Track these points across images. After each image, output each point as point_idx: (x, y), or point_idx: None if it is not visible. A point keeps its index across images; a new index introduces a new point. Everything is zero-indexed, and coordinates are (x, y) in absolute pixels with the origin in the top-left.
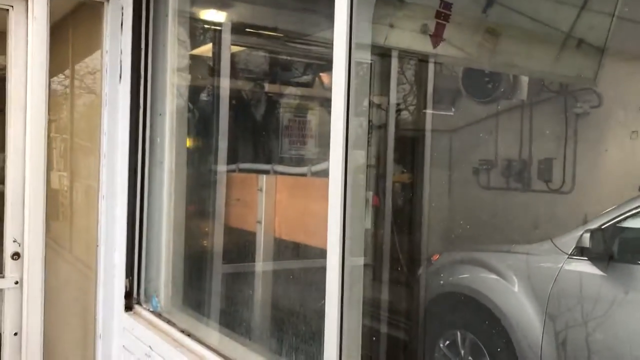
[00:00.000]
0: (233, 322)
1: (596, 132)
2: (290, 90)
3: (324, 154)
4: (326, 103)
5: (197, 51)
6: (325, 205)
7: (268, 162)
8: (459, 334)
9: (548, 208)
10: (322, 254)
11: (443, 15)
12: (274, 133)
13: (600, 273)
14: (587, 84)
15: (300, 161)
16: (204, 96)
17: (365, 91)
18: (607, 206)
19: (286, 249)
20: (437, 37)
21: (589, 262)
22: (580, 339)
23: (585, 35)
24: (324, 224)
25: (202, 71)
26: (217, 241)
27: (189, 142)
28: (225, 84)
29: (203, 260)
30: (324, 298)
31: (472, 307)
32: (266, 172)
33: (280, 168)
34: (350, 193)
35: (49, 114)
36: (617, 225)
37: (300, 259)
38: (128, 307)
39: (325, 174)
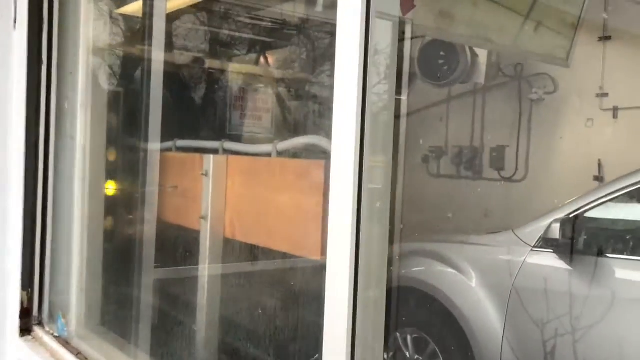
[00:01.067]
0: (169, 351)
1: (551, 119)
2: (238, 54)
3: (286, 133)
4: (283, 73)
5: None
6: (299, 196)
7: (216, 138)
8: (409, 333)
9: (500, 196)
10: (294, 261)
11: None
12: (222, 104)
13: (567, 267)
14: (559, 64)
15: (254, 140)
16: (132, 54)
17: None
18: (561, 195)
19: (242, 256)
20: (407, 2)
21: (554, 254)
22: (544, 338)
23: (557, 8)
24: (298, 221)
25: (130, 21)
26: (148, 243)
27: (109, 111)
28: (159, 39)
29: (128, 267)
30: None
31: (425, 304)
32: (214, 151)
33: (233, 146)
34: (367, 183)
35: None
36: (585, 215)
37: (262, 268)
38: (25, 330)
39: (300, 153)
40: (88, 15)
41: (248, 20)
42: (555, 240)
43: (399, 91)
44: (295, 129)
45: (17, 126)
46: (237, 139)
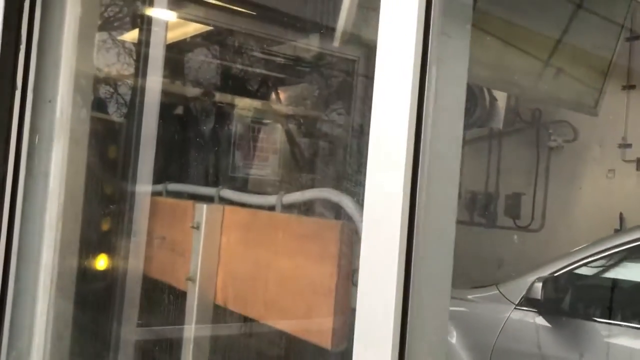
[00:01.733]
0: None
1: (570, 168)
2: (245, 89)
3: (296, 177)
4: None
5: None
6: (308, 264)
7: (212, 183)
8: None
9: (515, 246)
10: (300, 345)
11: None
12: (223, 142)
13: (551, 327)
14: (587, 112)
15: (258, 184)
16: (124, 83)
17: None
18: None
19: (233, 330)
20: None
21: (538, 314)
22: None
23: (587, 53)
24: (305, 296)
25: (124, 48)
26: (130, 299)
27: (94, 146)
28: (157, 68)
29: (103, 327)
30: None
31: None
32: (208, 198)
33: (230, 194)
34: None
35: None
36: (573, 272)
37: (258, 348)
38: None
39: (308, 209)
40: (73, 38)
41: (255, 54)
42: (537, 300)
43: None
44: (308, 173)
45: None
46: (240, 182)
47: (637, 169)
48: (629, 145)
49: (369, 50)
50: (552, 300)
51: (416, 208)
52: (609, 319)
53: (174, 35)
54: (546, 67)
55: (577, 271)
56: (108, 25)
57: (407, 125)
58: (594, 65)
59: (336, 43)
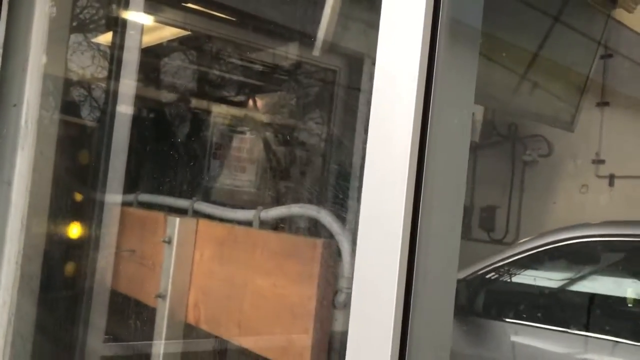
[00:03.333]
0: None
1: (544, 182)
2: (222, 96)
3: (278, 191)
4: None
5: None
6: (286, 284)
7: (186, 194)
8: None
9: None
10: None
11: None
12: (199, 150)
13: (461, 329)
14: (564, 127)
15: (236, 195)
16: (95, 87)
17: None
18: None
19: (204, 349)
20: None
21: None
22: None
23: (564, 69)
24: (281, 318)
25: (96, 51)
26: (97, 315)
27: (60, 153)
28: (130, 73)
29: (67, 345)
30: None
31: None
32: (181, 211)
33: (205, 207)
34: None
35: None
36: (485, 277)
37: None
38: None
39: (293, 226)
40: (42, 39)
41: (233, 60)
42: None
43: None
44: (286, 186)
45: None
46: (215, 194)
47: (610, 185)
48: (602, 161)
49: (352, 61)
50: (461, 301)
51: (418, 228)
52: (514, 319)
53: (152, 39)
54: (525, 84)
55: (490, 275)
56: (83, 27)
57: (410, 141)
58: (571, 83)
59: (316, 52)
